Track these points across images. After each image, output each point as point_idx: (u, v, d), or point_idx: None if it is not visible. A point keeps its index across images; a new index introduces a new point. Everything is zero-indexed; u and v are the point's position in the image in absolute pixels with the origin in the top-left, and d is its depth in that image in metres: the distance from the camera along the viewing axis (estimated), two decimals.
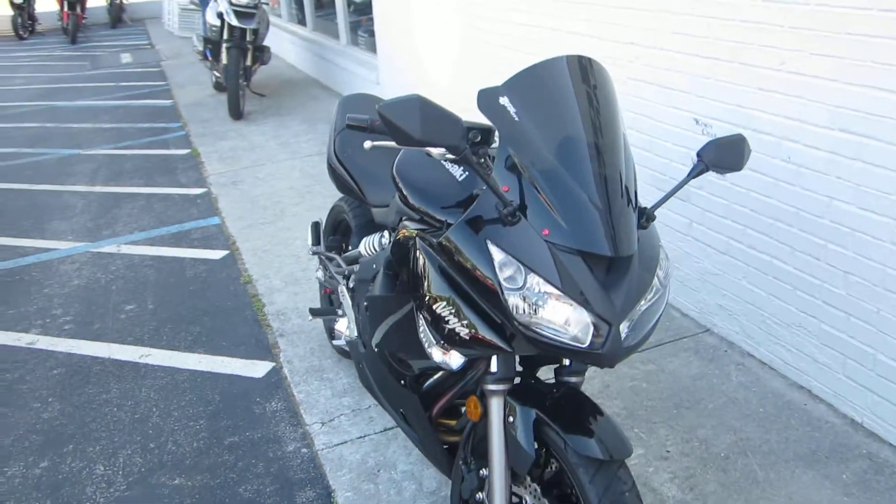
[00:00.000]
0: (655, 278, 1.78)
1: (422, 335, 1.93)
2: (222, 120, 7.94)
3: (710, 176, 3.22)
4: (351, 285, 2.78)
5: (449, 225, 1.82)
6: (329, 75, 9.19)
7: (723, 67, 3.05)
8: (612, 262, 1.68)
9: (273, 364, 3.44)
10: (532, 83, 1.82)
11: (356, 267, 2.73)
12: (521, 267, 1.64)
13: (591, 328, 1.63)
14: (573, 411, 1.82)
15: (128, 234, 5.11)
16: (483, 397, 1.92)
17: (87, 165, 6.80)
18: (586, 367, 1.96)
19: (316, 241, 3.15)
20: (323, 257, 3.18)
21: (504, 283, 1.65)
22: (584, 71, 1.86)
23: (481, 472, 1.97)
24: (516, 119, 1.77)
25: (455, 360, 1.87)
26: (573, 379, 1.93)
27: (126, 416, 3.14)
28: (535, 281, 1.63)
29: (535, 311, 1.64)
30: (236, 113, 7.89)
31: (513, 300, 1.64)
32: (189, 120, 8.13)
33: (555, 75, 1.83)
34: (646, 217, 1.81)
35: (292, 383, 3.26)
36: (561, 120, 1.76)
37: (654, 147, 3.55)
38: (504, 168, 1.75)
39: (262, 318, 3.85)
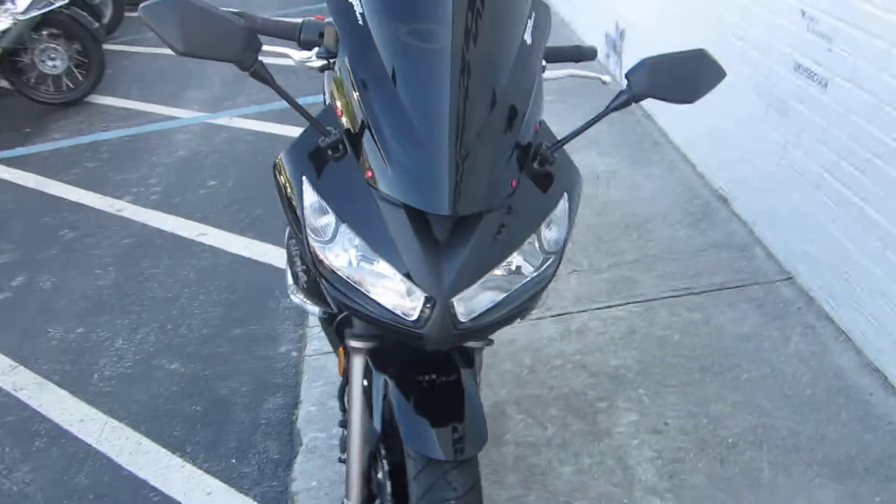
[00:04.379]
0: (533, 242, 1.36)
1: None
2: None
3: (812, 87, 2.49)
4: None
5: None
6: None
7: None
8: (458, 221, 1.31)
9: None
10: None
11: None
12: (334, 215, 1.32)
13: (417, 301, 1.30)
14: (427, 392, 1.51)
15: (244, 108, 5.21)
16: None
17: None
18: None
19: None
20: None
21: (310, 233, 1.35)
22: None
23: (344, 431, 1.75)
24: (360, 22, 1.38)
25: (311, 305, 1.62)
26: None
27: (161, 293, 3.26)
28: (347, 235, 1.31)
29: (346, 271, 1.33)
30: None
31: (321, 254, 1.34)
32: None
33: None
34: (539, 157, 1.37)
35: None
36: (419, 23, 1.35)
37: (749, 43, 2.81)
38: (339, 85, 1.40)
39: None
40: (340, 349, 1.73)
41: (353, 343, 1.58)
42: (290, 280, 1.59)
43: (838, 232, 2.47)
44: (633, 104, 1.40)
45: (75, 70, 5.51)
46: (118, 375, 2.81)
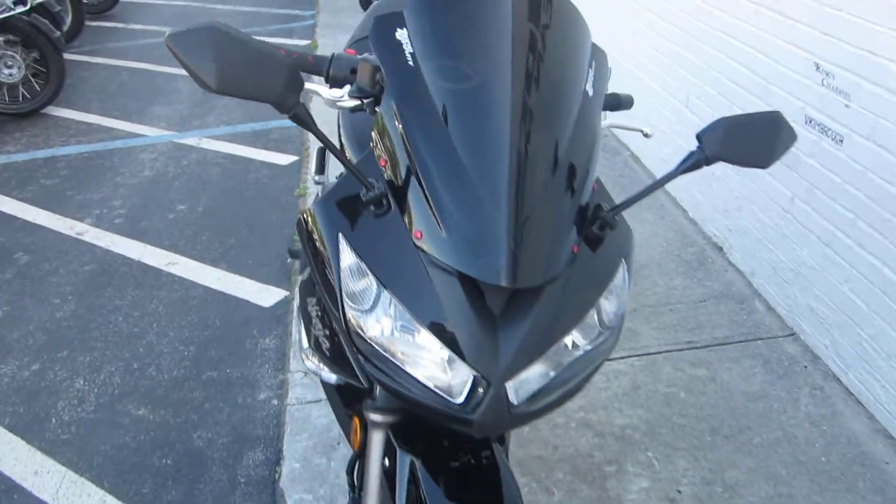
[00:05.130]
0: (593, 316, 1.23)
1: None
2: (354, 10, 7.60)
3: (825, 142, 2.44)
4: None
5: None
6: None
7: None
8: (514, 292, 1.16)
9: (286, 294, 3.18)
10: (448, 11, 1.27)
11: None
12: (375, 280, 1.17)
13: (465, 381, 1.15)
14: (461, 475, 1.36)
15: (214, 128, 4.99)
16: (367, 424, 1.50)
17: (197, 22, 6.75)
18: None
19: (320, 170, 2.75)
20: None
21: (347, 300, 1.19)
22: (535, 2, 1.28)
23: None
24: (410, 63, 1.24)
25: (328, 373, 1.46)
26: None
27: (127, 328, 3.03)
28: (389, 302, 1.16)
29: (385, 343, 1.17)
30: (366, 4, 7.49)
31: (357, 323, 1.19)
32: (323, 8, 7.86)
33: (485, 3, 1.27)
34: (601, 221, 1.24)
35: (295, 320, 2.98)
36: (476, 66, 1.21)
37: (764, 94, 2.76)
38: (383, 132, 1.25)
39: (297, 238, 3.57)
40: (354, 420, 1.56)
41: (374, 417, 1.41)
42: (304, 342, 1.42)
43: (851, 291, 2.40)
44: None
45: (33, 79, 5.22)
46: (79, 421, 2.57)
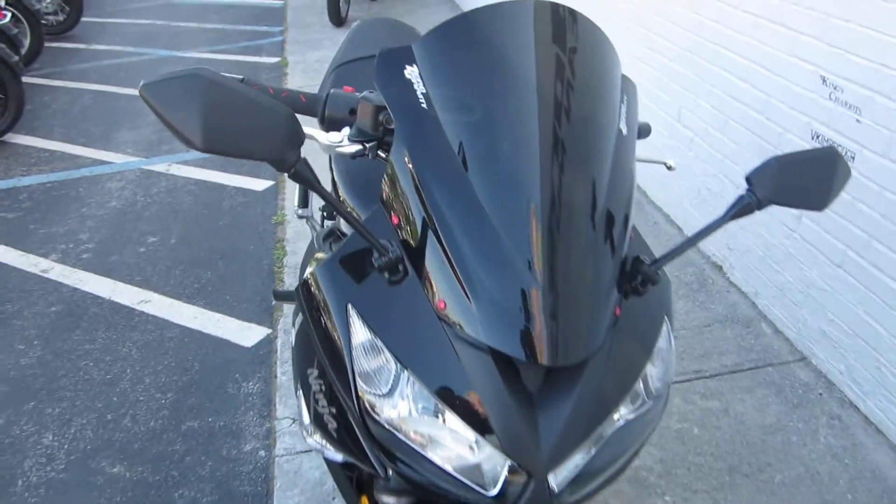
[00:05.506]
0: (640, 386, 1.09)
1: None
2: (323, 26, 7.44)
3: None
4: None
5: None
6: None
7: (867, 6, 2.12)
8: (550, 369, 1.02)
9: (268, 332, 3.00)
10: (464, 44, 1.13)
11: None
12: (393, 359, 1.01)
13: (499, 471, 1.00)
14: None
15: (183, 153, 4.79)
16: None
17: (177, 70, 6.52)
18: None
19: (303, 203, 2.58)
20: (313, 224, 2.62)
21: (360, 382, 1.04)
22: (559, 28, 1.14)
23: None
24: (423, 105, 1.09)
25: (334, 452, 1.29)
26: None
27: (98, 375, 2.82)
28: (408, 382, 1.01)
29: (405, 428, 1.02)
30: (336, 19, 7.35)
31: (372, 406, 1.03)
32: (291, 24, 7.69)
33: (505, 32, 1.13)
34: (642, 277, 1.10)
35: (279, 361, 2.81)
36: (499, 109, 1.07)
37: (764, 107, 2.65)
38: (395, 185, 1.10)
39: (279, 269, 3.39)
40: (363, 500, 1.40)
41: (388, 500, 1.26)
42: (306, 419, 1.27)
43: (867, 315, 2.30)
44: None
45: None
46: (48, 482, 2.36)
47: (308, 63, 6.31)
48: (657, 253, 1.14)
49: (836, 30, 2.24)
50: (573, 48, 1.11)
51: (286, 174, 0.96)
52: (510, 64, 1.08)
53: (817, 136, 2.41)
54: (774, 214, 2.70)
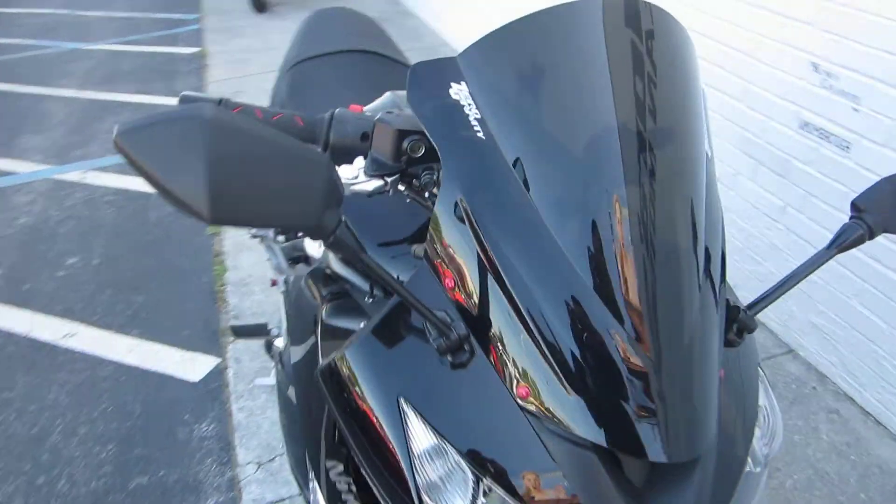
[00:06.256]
0: (748, 461, 0.91)
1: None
2: (243, 12, 6.99)
3: (826, 149, 2.20)
4: (286, 289, 1.93)
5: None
6: None
7: None
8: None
9: (217, 361, 2.69)
10: (526, 55, 0.89)
11: (301, 267, 1.87)
12: (468, 467, 0.78)
13: None
14: None
15: (99, 158, 4.35)
16: None
17: (83, 64, 5.99)
18: None
19: None
20: (270, 244, 2.31)
21: (425, 497, 0.80)
22: (634, 25, 0.91)
23: None
24: (479, 133, 0.84)
25: None
26: None
27: (23, 429, 2.46)
28: (491, 497, 0.79)
29: None
30: (257, 4, 6.92)
31: None
32: (208, 11, 7.20)
33: (569, 37, 0.89)
34: (738, 326, 0.90)
35: (233, 394, 2.51)
36: (574, 126, 0.84)
37: (749, 98, 2.50)
38: (445, 239, 0.85)
39: (220, 288, 3.07)
40: None
41: None
42: None
43: (863, 306, 2.19)
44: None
45: None
46: None
47: (231, 52, 5.88)
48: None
49: (831, 14, 2.09)
50: (652, 51, 0.88)
51: (321, 242, 0.70)
52: (581, 81, 0.84)
53: (806, 126, 2.27)
54: (756, 205, 2.56)
